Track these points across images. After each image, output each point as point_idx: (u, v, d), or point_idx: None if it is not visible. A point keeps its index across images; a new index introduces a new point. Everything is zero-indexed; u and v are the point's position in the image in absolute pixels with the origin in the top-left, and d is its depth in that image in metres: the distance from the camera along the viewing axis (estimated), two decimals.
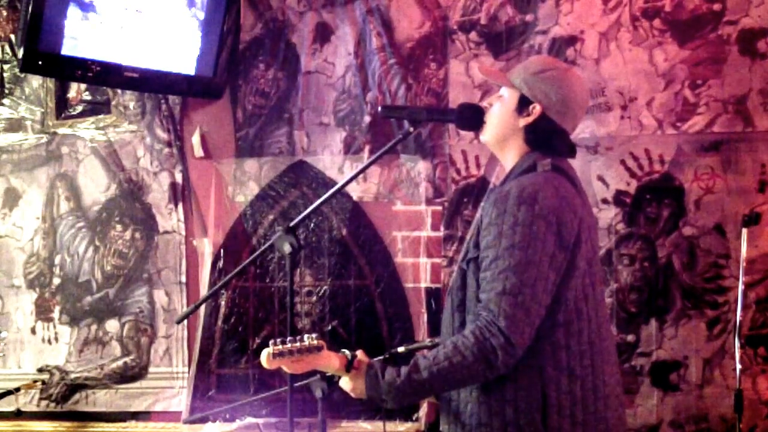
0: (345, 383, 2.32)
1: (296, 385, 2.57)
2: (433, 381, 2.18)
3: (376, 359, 2.36)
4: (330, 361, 2.27)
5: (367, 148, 4.04)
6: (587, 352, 2.23)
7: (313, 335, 2.24)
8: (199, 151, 4.24)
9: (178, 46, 4.02)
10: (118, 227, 4.31)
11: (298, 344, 2.21)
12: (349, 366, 2.28)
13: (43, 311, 4.37)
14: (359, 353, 2.31)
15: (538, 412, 2.17)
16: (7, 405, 4.03)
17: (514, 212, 2.17)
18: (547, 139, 2.35)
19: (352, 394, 2.30)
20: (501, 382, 2.19)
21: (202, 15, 4.04)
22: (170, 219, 4.26)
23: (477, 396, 2.23)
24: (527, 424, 2.17)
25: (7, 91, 4.40)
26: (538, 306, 2.14)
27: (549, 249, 2.16)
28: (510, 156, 2.39)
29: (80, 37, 3.75)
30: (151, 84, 4.04)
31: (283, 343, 2.21)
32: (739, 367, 3.21)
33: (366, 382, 2.25)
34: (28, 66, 3.74)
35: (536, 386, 2.18)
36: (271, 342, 2.21)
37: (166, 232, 4.26)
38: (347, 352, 2.30)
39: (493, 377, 2.17)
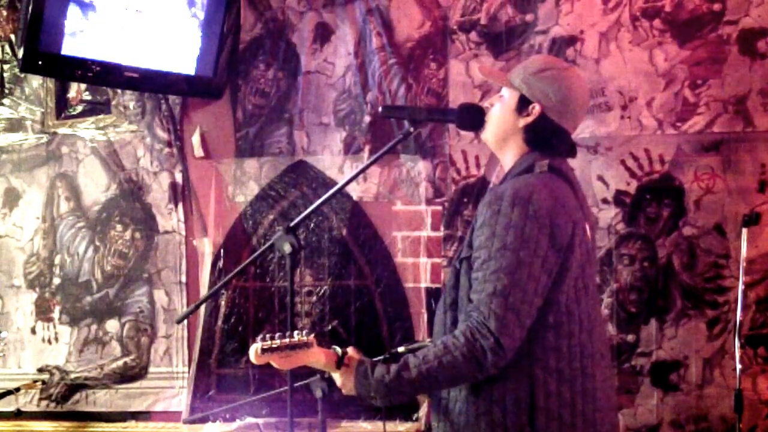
0: (336, 379, 2.32)
1: (296, 385, 2.57)
2: (422, 380, 2.18)
3: (375, 359, 2.36)
4: (319, 357, 2.27)
5: (367, 148, 4.03)
6: (577, 355, 2.22)
7: (304, 332, 2.24)
8: (199, 151, 4.24)
9: (178, 46, 4.02)
10: (118, 227, 4.31)
11: (287, 340, 2.21)
12: (340, 362, 2.28)
13: (43, 311, 4.37)
14: (350, 350, 2.31)
15: (525, 414, 2.17)
16: (7, 405, 4.03)
17: (508, 213, 2.17)
18: (547, 139, 2.34)
19: (343, 391, 2.30)
20: (490, 382, 2.19)
21: (202, 15, 4.04)
22: (170, 219, 4.26)
23: (466, 395, 2.23)
24: (514, 424, 2.17)
25: (7, 91, 4.40)
26: (529, 307, 2.14)
27: (541, 251, 2.15)
28: (509, 156, 2.39)
29: (80, 37, 3.75)
30: (151, 84, 4.04)
31: (272, 338, 2.21)
32: (739, 367, 3.21)
33: (355, 379, 2.24)
34: (28, 66, 3.74)
35: (524, 387, 2.18)
36: (259, 337, 2.21)
37: (166, 232, 4.26)
38: (338, 348, 2.30)
39: (483, 377, 2.17)
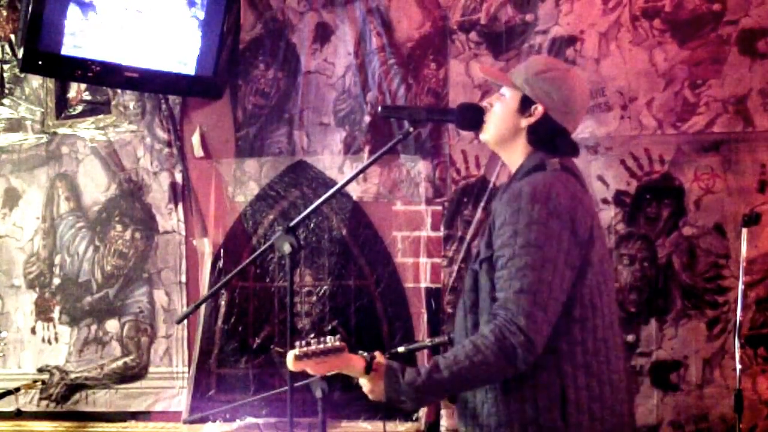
0: (363, 385, 2.31)
1: (296, 385, 2.57)
2: (454, 380, 2.18)
3: (398, 363, 2.35)
4: (351, 363, 2.28)
5: (367, 148, 4.03)
6: (602, 348, 2.24)
7: (336, 336, 2.25)
8: (199, 151, 4.24)
9: (178, 46, 4.02)
10: (118, 227, 4.31)
11: (322, 346, 2.22)
12: (368, 368, 2.28)
13: (43, 311, 4.36)
14: (377, 354, 2.31)
15: (557, 410, 2.18)
16: (7, 405, 4.03)
17: (529, 210, 2.17)
18: (550, 139, 2.36)
19: (371, 396, 2.30)
20: (519, 381, 2.19)
21: (202, 15, 4.04)
22: (170, 219, 4.26)
23: (494, 396, 2.23)
24: (547, 422, 2.18)
25: (7, 91, 4.40)
26: (555, 303, 2.15)
27: (564, 247, 2.17)
28: (514, 156, 2.40)
29: (80, 37, 3.76)
30: (151, 84, 4.04)
31: (308, 344, 2.21)
32: (739, 367, 3.21)
33: (385, 384, 2.24)
34: (28, 66, 3.75)
35: (555, 383, 2.19)
36: (297, 343, 2.22)
37: (166, 232, 4.26)
38: (365, 354, 2.30)
39: (513, 375, 2.17)
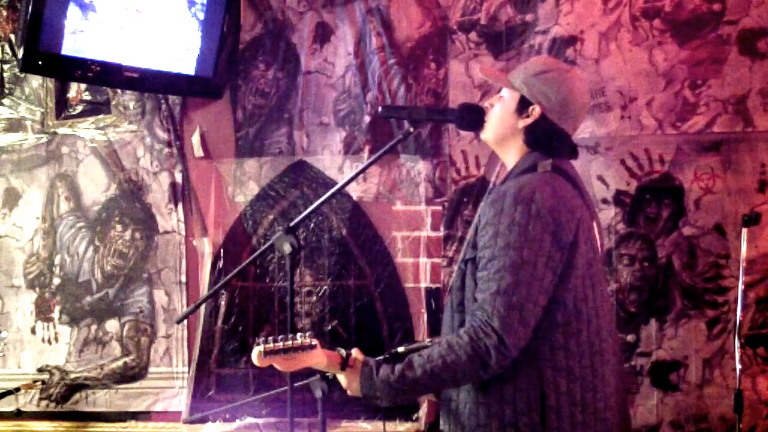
0: (341, 381, 2.32)
1: (296, 385, 2.57)
2: (427, 379, 2.18)
3: (377, 359, 2.36)
4: (321, 359, 2.27)
5: (367, 148, 4.03)
6: (586, 353, 2.22)
7: (307, 334, 2.23)
8: (199, 151, 4.24)
9: (178, 46, 4.02)
10: (118, 227, 4.31)
11: (290, 342, 2.20)
12: (344, 364, 2.28)
13: (43, 311, 4.37)
14: (355, 351, 2.31)
15: (536, 413, 2.17)
16: (7, 405, 4.03)
17: (511, 212, 2.17)
18: (547, 140, 2.35)
19: (348, 392, 2.30)
20: (500, 382, 2.19)
21: (202, 15, 4.04)
22: (170, 219, 4.26)
23: (475, 396, 2.23)
24: (526, 425, 2.17)
25: (7, 91, 4.40)
26: (533, 306, 2.14)
27: (545, 249, 2.16)
28: (511, 156, 2.40)
29: (80, 37, 3.76)
30: (151, 84, 4.04)
31: (275, 341, 2.20)
32: (739, 367, 3.21)
33: (360, 380, 2.25)
34: (28, 66, 3.75)
35: (535, 387, 2.18)
36: (261, 340, 2.21)
37: (166, 232, 4.26)
38: (342, 350, 2.30)
39: (488, 377, 2.17)
